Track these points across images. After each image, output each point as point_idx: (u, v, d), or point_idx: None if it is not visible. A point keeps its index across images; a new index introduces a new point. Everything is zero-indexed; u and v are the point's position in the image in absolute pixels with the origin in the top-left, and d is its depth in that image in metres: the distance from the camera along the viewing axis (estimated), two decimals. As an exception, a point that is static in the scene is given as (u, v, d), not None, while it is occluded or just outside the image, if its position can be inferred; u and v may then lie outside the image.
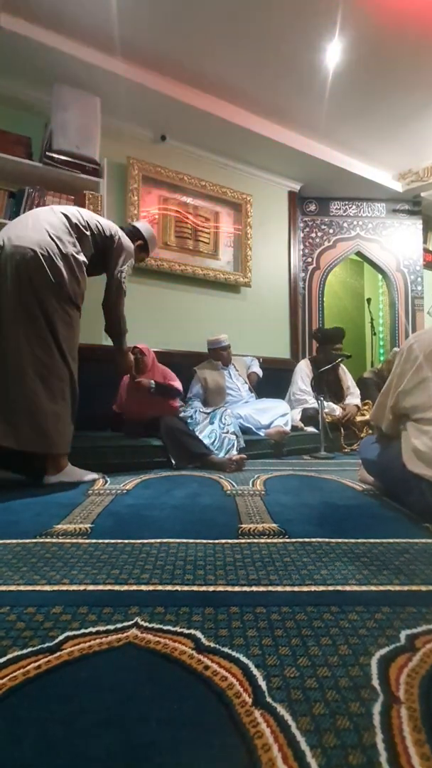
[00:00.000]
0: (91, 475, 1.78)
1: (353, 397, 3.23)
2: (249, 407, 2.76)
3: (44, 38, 2.33)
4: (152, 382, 2.38)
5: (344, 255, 4.13)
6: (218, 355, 2.99)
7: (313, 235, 4.07)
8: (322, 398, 2.78)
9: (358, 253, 4.20)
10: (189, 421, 2.42)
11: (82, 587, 0.80)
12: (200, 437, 2.24)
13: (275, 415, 2.73)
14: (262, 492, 1.60)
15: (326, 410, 3.01)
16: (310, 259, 4.05)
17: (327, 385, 3.13)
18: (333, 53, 2.55)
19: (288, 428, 2.68)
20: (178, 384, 2.64)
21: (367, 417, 3.10)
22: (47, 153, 2.48)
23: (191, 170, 3.28)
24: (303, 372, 3.21)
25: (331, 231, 4.09)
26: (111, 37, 2.41)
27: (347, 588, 0.80)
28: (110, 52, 2.52)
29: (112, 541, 1.05)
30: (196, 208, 3.34)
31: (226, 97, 2.96)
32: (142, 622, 0.68)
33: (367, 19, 2.33)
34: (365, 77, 2.77)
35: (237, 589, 0.80)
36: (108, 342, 2.92)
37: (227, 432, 2.30)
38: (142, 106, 2.86)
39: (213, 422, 2.38)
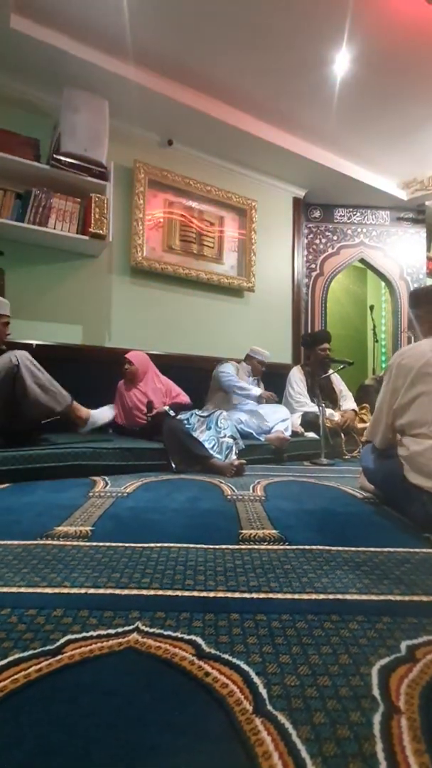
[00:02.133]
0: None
1: (348, 401, 3.23)
2: (250, 411, 2.77)
3: (55, 41, 2.36)
4: (167, 408, 2.44)
5: (348, 262, 4.15)
6: (254, 365, 3.07)
7: (317, 241, 4.09)
8: (323, 405, 2.78)
9: (362, 261, 4.21)
10: (186, 426, 2.42)
11: (83, 590, 0.80)
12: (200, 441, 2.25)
13: (276, 419, 2.73)
14: (263, 497, 1.60)
15: (326, 415, 3.01)
16: (313, 266, 4.06)
17: (321, 390, 3.13)
18: (341, 62, 2.58)
19: (288, 434, 2.68)
20: (184, 398, 2.66)
21: (368, 423, 3.10)
22: (55, 155, 2.49)
23: (197, 174, 3.30)
24: (296, 377, 3.23)
25: (335, 238, 4.11)
26: (121, 41, 2.43)
27: (348, 597, 0.80)
28: (120, 56, 2.54)
29: (113, 544, 1.05)
30: (201, 212, 3.35)
31: (233, 103, 2.99)
32: (143, 627, 0.68)
33: (375, 30, 2.35)
34: (372, 86, 2.79)
35: (237, 595, 0.80)
36: (110, 344, 2.95)
37: (224, 436, 2.30)
38: (150, 110, 2.88)
39: (210, 428, 2.37)
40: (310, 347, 3.23)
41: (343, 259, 4.12)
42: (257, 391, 2.83)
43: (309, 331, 3.91)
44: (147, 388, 2.54)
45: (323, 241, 4.09)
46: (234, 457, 2.19)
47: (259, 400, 2.79)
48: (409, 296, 1.62)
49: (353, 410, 3.15)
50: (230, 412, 2.69)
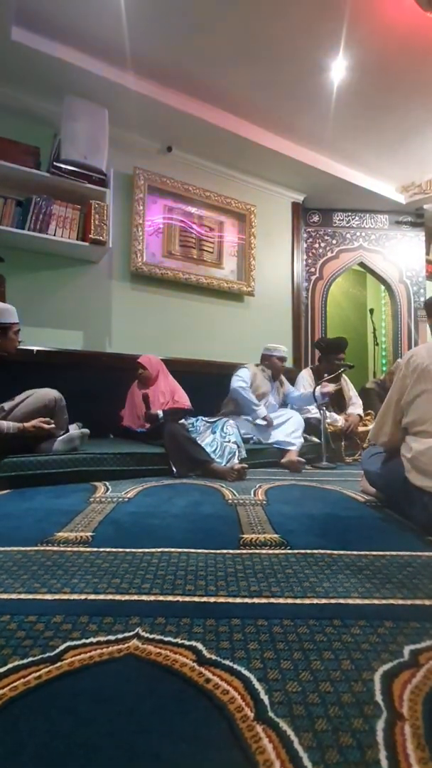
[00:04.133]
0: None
1: (356, 407, 3.21)
2: (258, 426, 2.73)
3: (55, 51, 2.38)
4: (160, 413, 2.43)
5: (347, 266, 4.16)
6: (272, 363, 2.95)
7: (317, 245, 4.10)
8: (323, 408, 2.77)
9: (361, 264, 4.22)
10: (190, 429, 2.42)
11: (83, 596, 0.80)
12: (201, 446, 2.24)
13: (283, 433, 2.66)
14: (264, 502, 1.59)
15: (329, 420, 3.00)
16: (313, 269, 4.07)
17: (330, 395, 3.12)
18: (338, 69, 2.60)
19: (297, 448, 2.61)
20: (184, 402, 2.63)
21: (370, 428, 3.08)
22: (55, 163, 2.51)
23: (196, 181, 3.32)
24: (305, 381, 3.21)
25: (334, 242, 4.12)
26: (120, 50, 2.46)
27: (350, 601, 0.80)
28: (119, 65, 2.57)
29: (113, 549, 1.05)
30: (201, 217, 3.37)
31: (231, 110, 3.01)
32: (143, 633, 0.67)
33: (371, 37, 2.37)
34: (369, 93, 2.81)
35: (238, 600, 0.80)
36: (111, 349, 2.96)
37: (228, 441, 2.30)
38: (149, 117, 2.91)
39: (215, 432, 2.38)
40: (326, 354, 3.20)
41: (343, 263, 4.13)
42: (262, 412, 2.70)
43: (320, 335, 3.89)
44: (156, 390, 2.56)
45: (322, 245, 4.11)
46: (236, 461, 2.19)
47: (261, 420, 2.69)
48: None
49: (358, 415, 3.13)
50: (236, 420, 2.66)
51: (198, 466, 2.12)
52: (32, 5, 2.18)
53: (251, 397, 2.74)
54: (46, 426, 1.87)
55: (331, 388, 2.89)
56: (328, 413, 3.03)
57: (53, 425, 1.92)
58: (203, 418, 2.52)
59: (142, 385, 2.60)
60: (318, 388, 2.79)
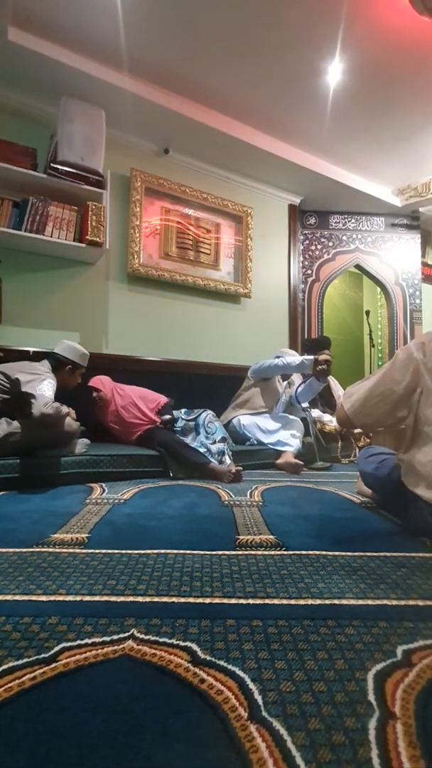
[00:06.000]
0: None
1: None
2: (257, 419, 2.73)
3: (51, 52, 2.38)
4: (166, 416, 2.41)
5: (343, 268, 4.18)
6: None
7: (313, 247, 4.12)
8: (309, 408, 2.77)
9: (358, 266, 4.24)
10: (176, 429, 2.40)
11: (78, 598, 0.80)
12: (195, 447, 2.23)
13: (280, 437, 2.63)
14: (260, 503, 1.59)
15: (324, 420, 3.02)
16: (309, 271, 4.09)
17: (319, 395, 3.13)
18: (334, 72, 2.61)
19: (294, 450, 2.59)
20: (160, 399, 2.57)
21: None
22: (52, 164, 2.52)
23: (193, 183, 3.33)
24: (296, 382, 3.23)
25: (330, 244, 4.14)
26: (117, 51, 2.46)
27: (344, 601, 0.80)
28: (116, 67, 2.57)
29: (109, 551, 1.05)
30: (198, 219, 3.38)
31: (228, 113, 3.02)
32: (138, 634, 0.67)
33: (367, 40, 2.39)
34: (365, 95, 2.83)
35: (234, 601, 0.80)
36: (108, 351, 2.96)
37: (214, 441, 2.28)
38: (146, 119, 2.91)
39: (199, 432, 2.36)
40: (311, 352, 3.22)
41: (339, 265, 4.15)
42: (307, 358, 2.58)
43: (308, 335, 3.91)
44: (121, 413, 2.43)
45: (319, 247, 4.13)
46: (228, 460, 2.18)
47: (306, 368, 2.58)
48: None
49: None
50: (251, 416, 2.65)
51: (196, 469, 2.11)
52: (29, 6, 2.19)
53: (291, 358, 2.72)
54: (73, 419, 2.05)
55: (335, 423, 2.91)
56: (322, 414, 3.05)
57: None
58: (183, 417, 2.45)
59: (100, 411, 2.44)
60: (302, 385, 2.80)
